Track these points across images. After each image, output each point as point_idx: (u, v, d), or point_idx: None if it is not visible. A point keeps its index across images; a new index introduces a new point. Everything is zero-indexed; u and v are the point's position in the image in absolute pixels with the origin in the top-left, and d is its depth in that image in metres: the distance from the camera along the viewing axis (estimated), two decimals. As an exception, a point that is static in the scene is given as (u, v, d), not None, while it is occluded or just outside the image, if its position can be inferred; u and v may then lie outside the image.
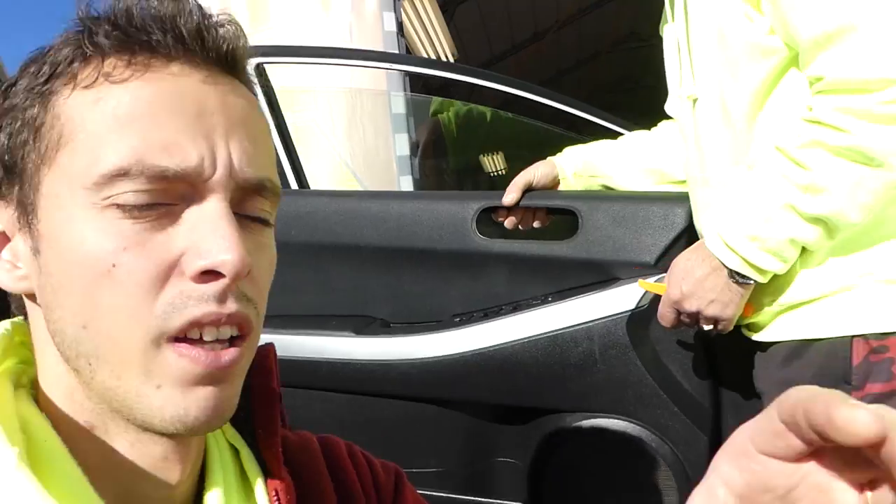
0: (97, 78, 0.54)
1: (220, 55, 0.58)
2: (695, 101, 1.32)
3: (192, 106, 0.54)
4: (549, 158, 1.71)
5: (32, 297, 0.58)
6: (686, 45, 1.32)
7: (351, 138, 4.75)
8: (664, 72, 1.47)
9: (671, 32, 1.43)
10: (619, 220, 1.58)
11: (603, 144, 1.74)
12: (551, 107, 2.11)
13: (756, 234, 1.15)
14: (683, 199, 1.49)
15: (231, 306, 0.54)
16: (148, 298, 0.52)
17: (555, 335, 1.53)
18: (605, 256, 1.57)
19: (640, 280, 1.39)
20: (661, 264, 1.53)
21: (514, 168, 1.77)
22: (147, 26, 0.55)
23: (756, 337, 1.31)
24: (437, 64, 2.21)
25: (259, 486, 0.65)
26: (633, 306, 1.50)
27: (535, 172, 1.67)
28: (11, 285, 0.58)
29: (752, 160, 1.23)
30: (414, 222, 1.72)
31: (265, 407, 0.69)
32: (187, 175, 0.53)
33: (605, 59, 9.90)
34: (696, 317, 1.27)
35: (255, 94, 0.63)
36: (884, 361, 1.15)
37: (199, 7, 0.57)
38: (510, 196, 1.63)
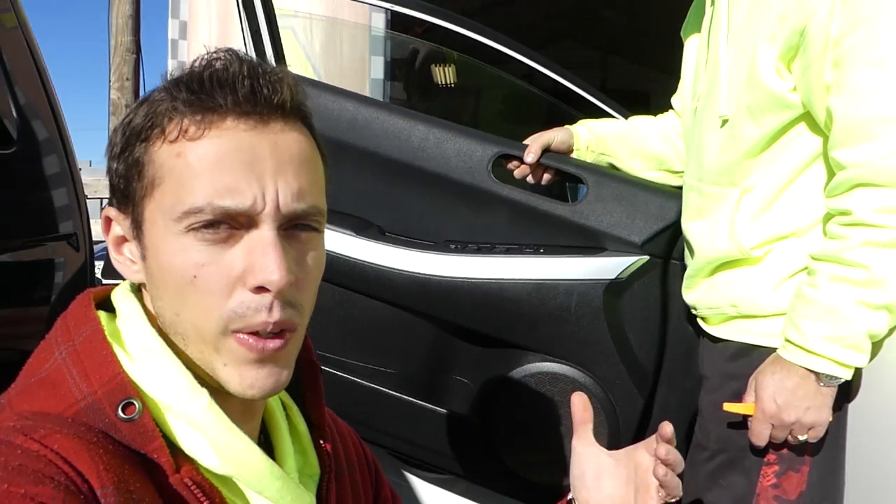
0: (178, 136, 0.72)
1: (272, 106, 0.75)
2: (719, 121, 1.43)
3: (247, 154, 0.72)
4: (566, 127, 1.86)
5: (144, 285, 0.79)
6: (714, 65, 1.45)
7: (327, 53, 4.77)
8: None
9: (699, 45, 1.57)
10: (620, 198, 1.76)
11: (616, 125, 1.91)
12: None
13: (835, 334, 1.22)
14: (679, 195, 1.65)
15: (276, 315, 0.73)
16: (220, 301, 0.72)
17: (539, 283, 1.72)
18: (600, 227, 1.76)
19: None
20: (646, 247, 1.73)
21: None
22: (212, 90, 0.73)
23: (711, 330, 1.50)
24: (422, 7, 2.28)
25: (306, 436, 0.90)
26: (612, 276, 1.71)
27: (555, 137, 1.82)
28: (131, 277, 0.79)
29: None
30: (436, 146, 1.84)
31: (309, 376, 0.93)
32: (245, 211, 0.72)
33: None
34: (790, 427, 1.29)
35: (309, 127, 0.81)
36: None
37: (256, 65, 0.75)
38: (531, 155, 1.79)
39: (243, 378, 0.74)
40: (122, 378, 0.72)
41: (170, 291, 0.74)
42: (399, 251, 1.79)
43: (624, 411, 1.76)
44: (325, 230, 1.69)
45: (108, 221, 0.80)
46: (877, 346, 1.27)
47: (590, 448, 1.03)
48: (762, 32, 1.31)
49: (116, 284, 0.83)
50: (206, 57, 0.75)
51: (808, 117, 1.33)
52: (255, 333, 0.73)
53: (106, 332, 0.75)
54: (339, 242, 1.78)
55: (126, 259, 0.79)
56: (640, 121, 1.90)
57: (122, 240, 0.79)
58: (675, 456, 0.93)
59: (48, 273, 2.18)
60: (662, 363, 1.77)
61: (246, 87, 0.73)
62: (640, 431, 1.77)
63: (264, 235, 0.72)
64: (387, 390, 1.86)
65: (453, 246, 1.80)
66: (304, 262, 0.77)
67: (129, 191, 0.75)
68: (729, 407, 1.37)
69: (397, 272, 1.77)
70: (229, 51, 0.76)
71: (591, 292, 1.71)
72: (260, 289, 0.72)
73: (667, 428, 0.94)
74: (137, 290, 0.81)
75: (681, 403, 1.69)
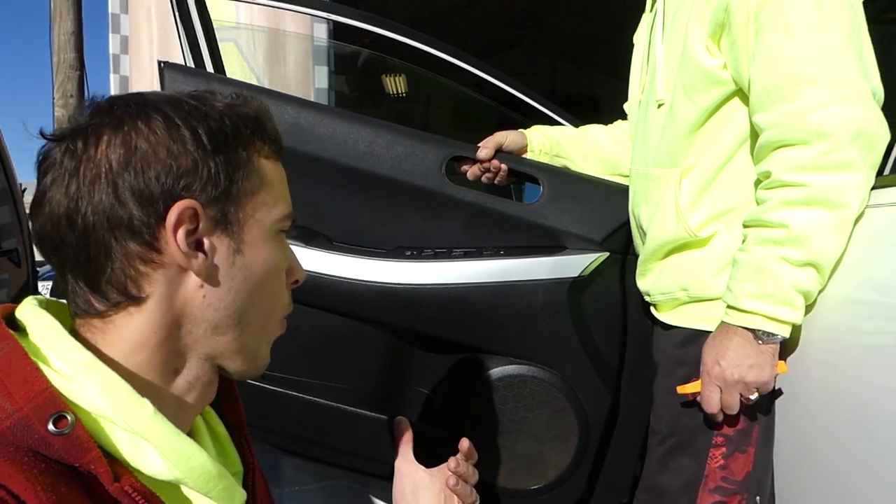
0: (266, 154, 0.85)
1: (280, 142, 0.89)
2: (656, 105, 1.50)
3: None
4: (519, 130, 1.86)
5: (199, 275, 0.79)
6: (654, 57, 1.52)
7: (270, 64, 4.74)
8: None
9: (643, 42, 1.62)
10: (577, 196, 1.76)
11: (569, 130, 1.93)
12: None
13: (762, 291, 1.25)
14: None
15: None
16: (286, 291, 0.88)
17: (502, 285, 1.70)
18: (559, 226, 1.75)
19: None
20: (605, 244, 1.73)
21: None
22: (267, 129, 0.86)
23: (661, 317, 1.52)
24: (367, 18, 2.25)
25: (225, 437, 0.95)
26: (576, 274, 1.70)
27: (507, 137, 1.81)
28: (195, 269, 0.78)
29: (689, 166, 1.42)
30: (385, 149, 1.78)
31: (224, 380, 0.95)
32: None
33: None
34: (736, 388, 1.31)
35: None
36: None
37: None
38: (484, 151, 1.78)
39: (267, 355, 0.87)
40: (50, 392, 0.69)
41: (256, 283, 0.82)
42: (354, 260, 1.73)
43: (593, 408, 1.75)
44: None
45: (190, 212, 0.76)
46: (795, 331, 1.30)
47: (410, 465, 1.19)
48: (692, 14, 1.38)
49: (19, 303, 0.78)
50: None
51: (741, 94, 1.37)
52: None
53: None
54: None
55: (193, 252, 0.77)
56: (592, 127, 1.94)
57: (194, 232, 0.77)
58: (465, 468, 1.14)
59: None
60: (625, 357, 1.77)
61: (273, 127, 0.87)
62: (608, 427, 1.76)
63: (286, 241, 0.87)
64: (345, 407, 1.80)
65: (409, 252, 1.76)
66: None
67: (230, 188, 0.79)
68: (681, 389, 1.40)
69: (354, 282, 1.72)
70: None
71: (555, 291, 1.70)
72: (296, 282, 0.89)
73: (463, 443, 1.16)
74: (46, 305, 0.78)
75: (644, 394, 1.69)
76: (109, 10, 4.71)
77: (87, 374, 0.72)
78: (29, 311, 0.77)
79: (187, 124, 0.76)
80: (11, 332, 0.73)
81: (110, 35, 4.77)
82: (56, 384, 0.70)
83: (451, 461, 1.14)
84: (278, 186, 0.85)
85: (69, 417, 0.68)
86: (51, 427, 0.67)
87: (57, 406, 0.68)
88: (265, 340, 0.86)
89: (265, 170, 0.83)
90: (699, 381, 1.36)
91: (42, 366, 0.71)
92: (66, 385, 0.71)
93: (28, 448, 0.66)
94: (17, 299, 2.07)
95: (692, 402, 1.40)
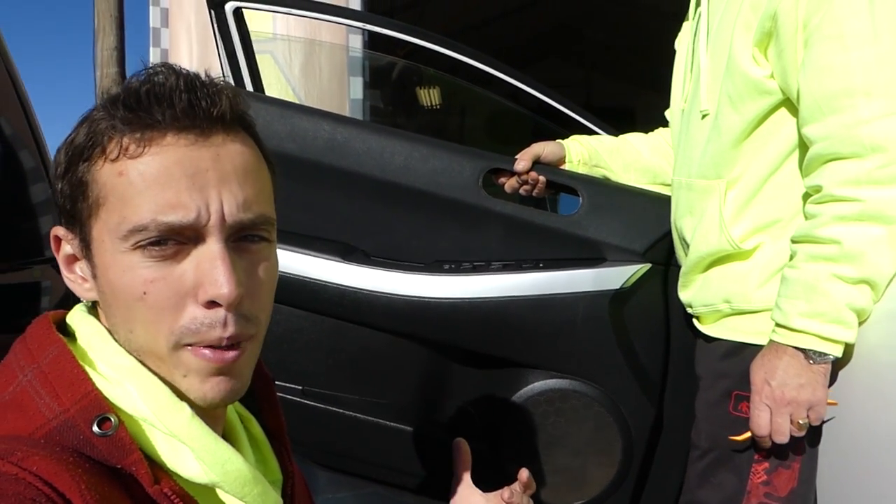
0: (119, 154, 0.72)
1: (212, 119, 0.74)
2: (700, 115, 1.47)
3: (189, 168, 0.72)
4: (557, 140, 1.84)
5: (97, 303, 0.79)
6: (698, 65, 1.49)
7: (306, 76, 4.77)
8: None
9: (686, 48, 1.59)
10: (617, 207, 1.74)
11: (608, 139, 1.90)
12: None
13: (814, 310, 1.22)
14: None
15: (230, 329, 0.73)
16: (171, 317, 0.72)
17: (543, 298, 1.68)
18: (599, 237, 1.72)
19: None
20: (647, 255, 1.70)
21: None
22: (150, 107, 0.72)
23: (704, 330, 1.49)
24: (403, 28, 2.25)
25: (265, 444, 0.92)
26: (617, 286, 1.67)
27: (545, 148, 1.80)
28: (84, 295, 0.79)
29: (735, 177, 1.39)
30: (422, 163, 1.78)
31: (263, 388, 0.94)
32: (190, 224, 0.71)
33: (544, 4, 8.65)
34: (788, 408, 1.27)
35: (253, 137, 0.81)
36: None
37: (193, 78, 0.75)
38: (522, 163, 1.76)
39: (203, 386, 0.75)
40: (95, 395, 0.71)
41: (121, 309, 0.74)
42: (393, 275, 1.72)
43: (636, 423, 1.72)
44: (310, 257, 1.71)
45: (56, 241, 0.80)
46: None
47: (468, 489, 1.19)
48: (738, 23, 1.35)
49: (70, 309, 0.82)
50: (143, 72, 0.75)
51: (788, 104, 1.35)
52: (209, 346, 0.73)
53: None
54: (326, 269, 1.71)
55: (77, 277, 0.79)
56: (632, 136, 1.91)
57: (73, 258, 0.79)
58: (519, 498, 1.13)
59: (34, 296, 2.21)
60: (668, 370, 1.74)
61: (184, 101, 0.72)
62: (652, 442, 1.73)
63: (212, 249, 0.72)
64: (386, 422, 1.79)
65: (447, 266, 1.75)
66: (255, 273, 0.77)
67: (75, 211, 0.75)
68: (734, 439, 1.37)
69: (392, 297, 1.70)
70: (166, 65, 0.75)
71: (597, 304, 1.67)
72: (211, 303, 0.72)
73: (523, 473, 1.16)
74: (94, 310, 0.81)
75: (687, 409, 1.66)
76: (150, 25, 4.79)
77: (129, 378, 0.74)
78: (78, 317, 0.80)
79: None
80: (62, 336, 0.76)
81: (151, 48, 4.84)
82: (101, 387, 0.72)
83: (506, 491, 1.12)
84: (130, 194, 0.71)
85: (112, 420, 0.70)
86: (95, 429, 0.69)
87: (101, 408, 0.70)
88: (176, 371, 0.74)
89: (107, 180, 0.72)
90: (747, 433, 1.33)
91: (88, 369, 0.74)
92: (110, 388, 0.73)
93: (73, 448, 0.68)
94: (60, 306, 2.13)
95: (735, 418, 1.37)
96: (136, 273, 0.72)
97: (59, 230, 0.79)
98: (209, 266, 0.72)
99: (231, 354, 0.74)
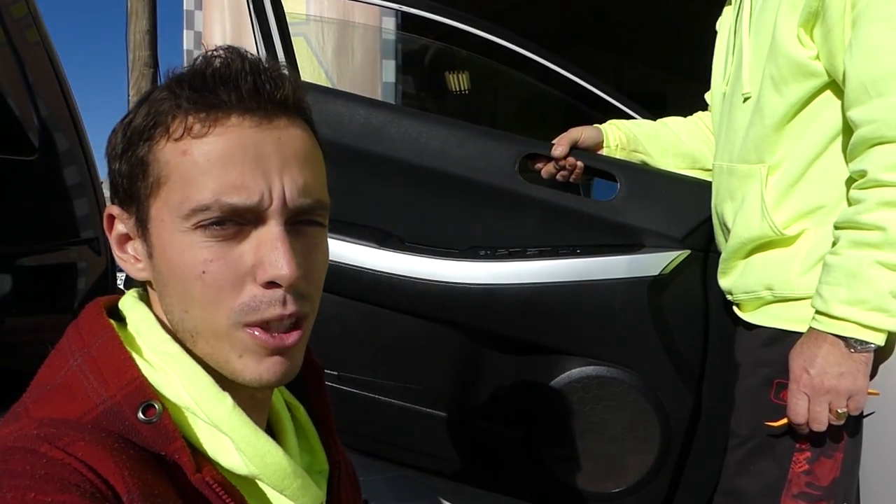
0: (183, 133, 0.72)
1: (275, 102, 0.75)
2: (742, 98, 1.44)
3: (252, 151, 0.72)
4: (594, 125, 1.81)
5: (149, 283, 0.79)
6: (740, 47, 1.46)
7: (338, 58, 4.77)
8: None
9: (728, 29, 1.56)
10: (656, 193, 1.71)
11: (646, 124, 1.87)
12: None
13: (855, 297, 1.19)
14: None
15: (290, 307, 0.74)
16: (230, 296, 0.72)
17: (580, 284, 1.66)
18: (637, 223, 1.70)
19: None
20: (686, 241, 1.68)
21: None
22: (216, 87, 0.72)
23: (744, 317, 1.47)
24: (437, 9, 2.23)
25: (313, 434, 0.92)
26: (655, 273, 1.65)
27: (582, 133, 1.77)
28: (136, 275, 0.79)
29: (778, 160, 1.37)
30: (458, 148, 1.76)
31: (312, 376, 0.94)
32: (252, 207, 0.72)
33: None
34: (826, 396, 1.25)
35: (309, 123, 0.81)
36: None
37: (258, 62, 0.75)
38: (559, 149, 1.73)
39: (259, 367, 0.75)
40: (140, 381, 0.71)
41: (178, 288, 0.74)
42: (428, 260, 1.72)
43: (674, 410, 1.70)
44: (345, 243, 1.70)
45: (110, 220, 0.80)
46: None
47: None
48: (782, 3, 1.32)
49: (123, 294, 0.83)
50: (207, 55, 0.75)
51: (833, 87, 1.31)
52: (265, 327, 0.73)
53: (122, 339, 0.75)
54: (362, 255, 1.71)
55: (130, 256, 0.79)
56: (670, 120, 1.87)
57: (126, 238, 0.79)
58: None
59: (72, 277, 2.23)
60: (706, 357, 1.72)
61: (249, 83, 0.73)
62: (690, 429, 1.72)
63: (272, 231, 0.73)
64: (422, 408, 1.79)
65: (483, 252, 1.74)
66: (311, 255, 0.77)
67: (133, 190, 0.75)
68: (769, 425, 1.36)
69: (429, 283, 1.70)
70: (230, 48, 0.75)
71: (635, 290, 1.66)
72: (271, 284, 0.72)
73: None
74: (145, 298, 0.81)
75: (726, 397, 1.64)
76: (184, 7, 4.80)
77: (174, 366, 0.74)
78: (128, 303, 0.80)
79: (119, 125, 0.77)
80: (112, 321, 0.76)
81: (184, 31, 4.86)
82: (146, 374, 0.73)
83: None
84: (194, 174, 0.72)
85: (157, 406, 0.70)
86: (140, 415, 0.70)
87: (146, 395, 0.71)
88: (231, 351, 0.74)
89: (170, 159, 0.73)
90: (783, 420, 1.32)
91: (135, 355, 0.74)
92: (155, 375, 0.74)
93: (118, 434, 0.69)
94: (97, 287, 2.15)
95: (777, 407, 1.35)
96: (195, 252, 0.72)
97: (113, 209, 0.79)
98: (269, 248, 0.72)
99: (291, 337, 0.75)
